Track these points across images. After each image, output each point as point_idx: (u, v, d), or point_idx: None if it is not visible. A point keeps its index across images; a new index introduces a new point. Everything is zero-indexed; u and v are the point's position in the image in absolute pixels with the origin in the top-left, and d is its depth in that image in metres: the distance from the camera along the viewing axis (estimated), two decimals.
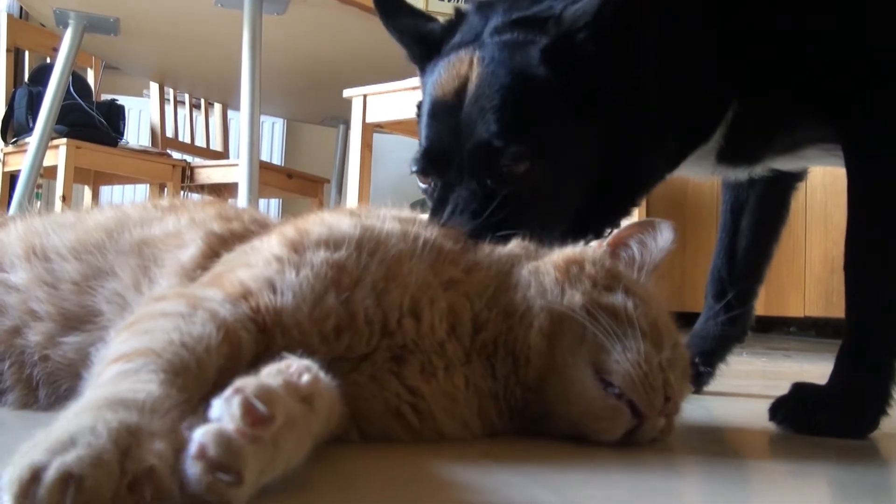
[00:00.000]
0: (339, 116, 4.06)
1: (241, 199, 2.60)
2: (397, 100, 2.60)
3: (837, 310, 3.45)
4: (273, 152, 4.91)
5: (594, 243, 0.96)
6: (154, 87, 4.01)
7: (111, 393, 0.55)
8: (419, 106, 1.13)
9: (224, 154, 4.22)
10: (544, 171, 1.01)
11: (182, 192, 3.81)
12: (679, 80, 1.05)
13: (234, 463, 0.51)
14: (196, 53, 3.35)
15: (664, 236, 0.96)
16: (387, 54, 2.97)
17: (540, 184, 1.01)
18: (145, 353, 0.63)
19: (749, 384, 1.66)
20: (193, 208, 1.01)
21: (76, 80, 3.44)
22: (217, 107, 4.23)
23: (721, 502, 0.70)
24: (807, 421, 1.01)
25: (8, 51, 3.72)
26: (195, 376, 0.64)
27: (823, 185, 3.12)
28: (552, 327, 0.85)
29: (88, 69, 3.95)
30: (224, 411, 0.54)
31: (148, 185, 3.99)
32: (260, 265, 0.80)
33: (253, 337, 0.73)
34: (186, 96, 4.18)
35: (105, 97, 4.01)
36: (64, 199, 3.28)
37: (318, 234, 0.82)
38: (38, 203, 3.91)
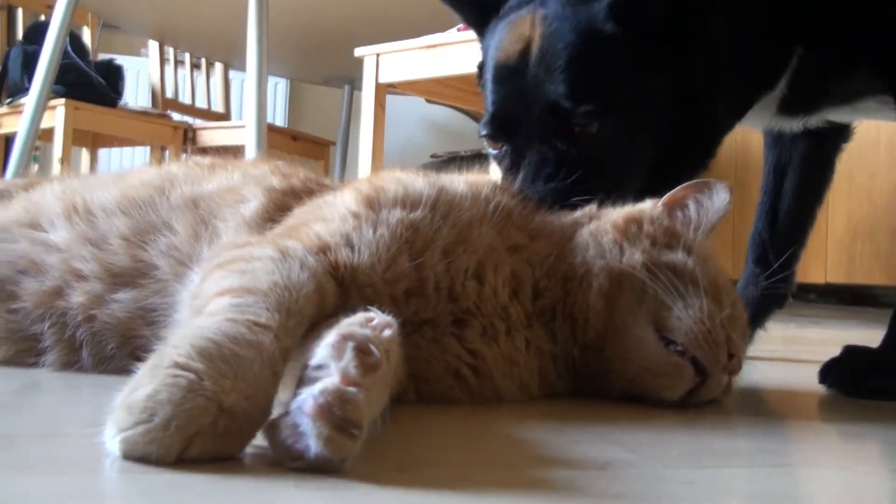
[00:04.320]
0: (346, 76, 4.05)
1: None
2: (411, 59, 2.59)
3: (860, 276, 3.49)
4: (276, 113, 4.89)
5: (649, 202, 0.97)
6: (153, 46, 3.98)
7: (233, 330, 0.57)
8: (480, 68, 1.14)
9: (226, 116, 4.20)
10: (615, 130, 1.01)
11: (184, 156, 3.81)
12: (747, 28, 1.05)
13: (357, 417, 0.53)
14: (197, 10, 3.32)
15: (720, 197, 0.97)
16: (397, 14, 2.95)
17: (611, 143, 1.01)
18: (252, 290, 0.64)
19: (785, 349, 1.68)
20: (243, 165, 1.03)
21: (72, 39, 3.41)
22: (218, 67, 4.21)
23: (786, 462, 0.72)
24: (859, 384, 1.03)
25: (0, 8, 3.69)
26: (298, 322, 0.64)
27: (847, 145, 3.13)
28: (612, 287, 0.87)
29: (84, 27, 3.92)
30: (333, 358, 0.55)
31: (148, 148, 3.98)
32: (336, 220, 0.81)
33: (335, 291, 0.75)
34: (187, 56, 4.15)
35: (101, 57, 3.97)
36: (62, 161, 3.27)
37: (395, 192, 0.84)
38: (36, 166, 3.90)
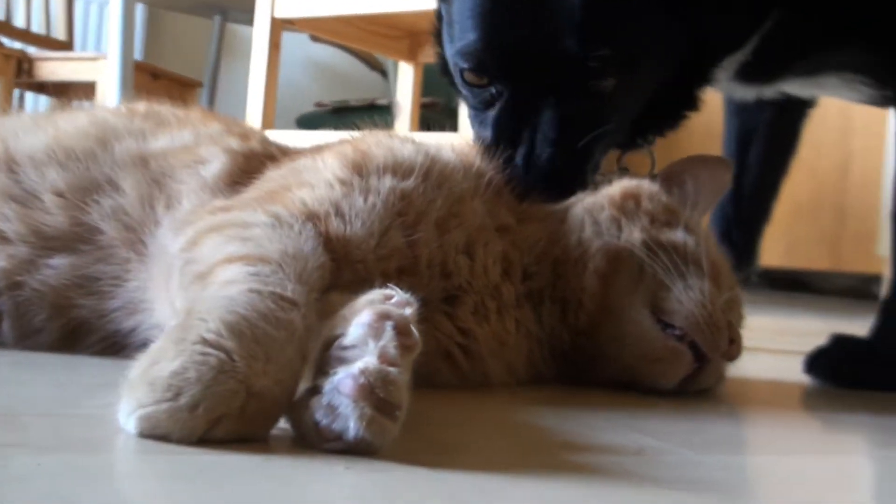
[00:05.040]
0: (216, 4, 3.98)
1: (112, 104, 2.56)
2: None
3: (798, 260, 3.71)
4: None
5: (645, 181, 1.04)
6: None
7: (262, 306, 0.60)
8: (439, 16, 1.13)
9: (68, 45, 4.07)
10: (630, 84, 1.03)
11: (16, 92, 3.68)
12: None
13: (399, 398, 0.57)
14: None
15: (719, 174, 1.06)
16: None
17: (623, 98, 1.03)
18: (266, 259, 0.67)
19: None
20: (189, 120, 1.05)
21: None
22: None
23: (808, 450, 0.81)
24: (849, 374, 1.12)
25: None
26: (315, 297, 0.68)
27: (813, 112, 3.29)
28: (608, 267, 0.94)
29: None
30: (371, 337, 0.59)
31: None
32: (322, 186, 0.85)
33: (329, 265, 0.77)
34: None
35: None
36: None
37: (384, 159, 0.88)
38: None
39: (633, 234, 0.95)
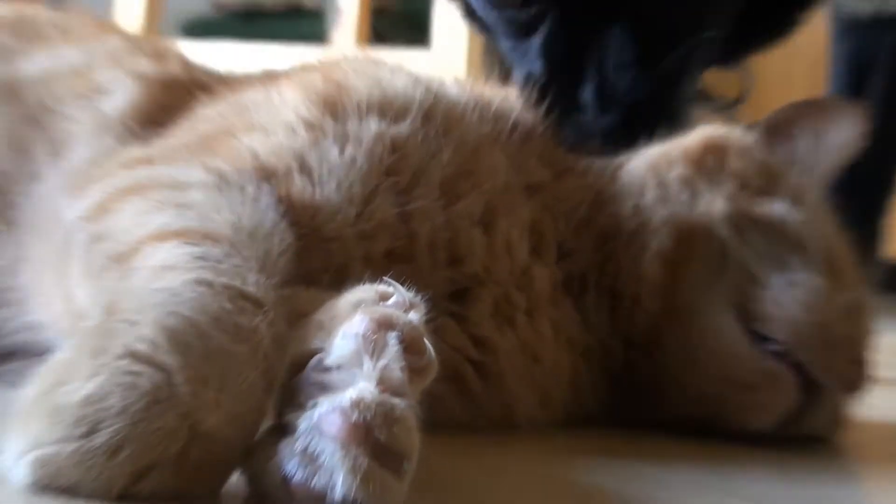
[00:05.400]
0: None
1: None
2: None
3: None
4: None
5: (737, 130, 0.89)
6: None
7: (216, 306, 0.52)
8: None
9: None
10: None
11: None
12: None
13: (408, 443, 0.49)
14: None
15: (847, 126, 0.91)
16: None
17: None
18: (213, 236, 0.59)
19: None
20: (76, 32, 0.95)
21: None
22: None
23: None
24: None
25: None
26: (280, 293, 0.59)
27: None
28: (677, 250, 0.82)
29: None
30: (366, 354, 0.51)
31: None
32: (280, 131, 0.75)
33: (293, 246, 0.68)
34: None
35: None
36: None
37: (368, 93, 0.78)
38: None
39: (715, 204, 0.82)
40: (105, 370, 0.47)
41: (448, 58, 1.91)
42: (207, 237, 0.58)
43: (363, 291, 0.58)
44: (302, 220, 0.70)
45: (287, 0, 3.53)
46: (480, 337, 0.77)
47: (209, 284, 0.53)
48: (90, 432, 0.46)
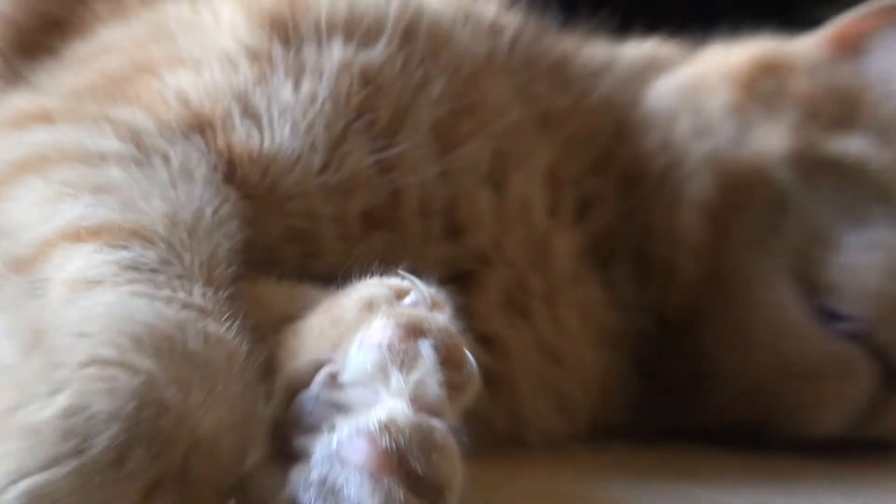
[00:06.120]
0: None
1: None
2: None
3: None
4: None
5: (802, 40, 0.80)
6: None
7: (173, 315, 0.46)
8: None
9: None
10: None
11: None
12: None
13: (448, 472, 0.44)
14: None
15: None
16: None
17: None
18: (144, 234, 0.51)
19: None
20: None
21: None
22: None
23: None
24: None
25: None
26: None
27: None
28: (723, 200, 0.74)
29: None
30: (393, 366, 0.47)
31: None
32: (214, 64, 0.65)
33: (242, 215, 0.59)
34: None
35: None
36: None
37: (329, 8, 0.68)
38: None
39: (773, 139, 0.74)
40: (72, 381, 0.41)
41: None
42: (136, 235, 0.51)
43: (373, 286, 0.53)
44: (250, 177, 0.61)
45: None
46: (487, 334, 0.67)
47: (149, 298, 0.47)
48: (83, 445, 0.41)
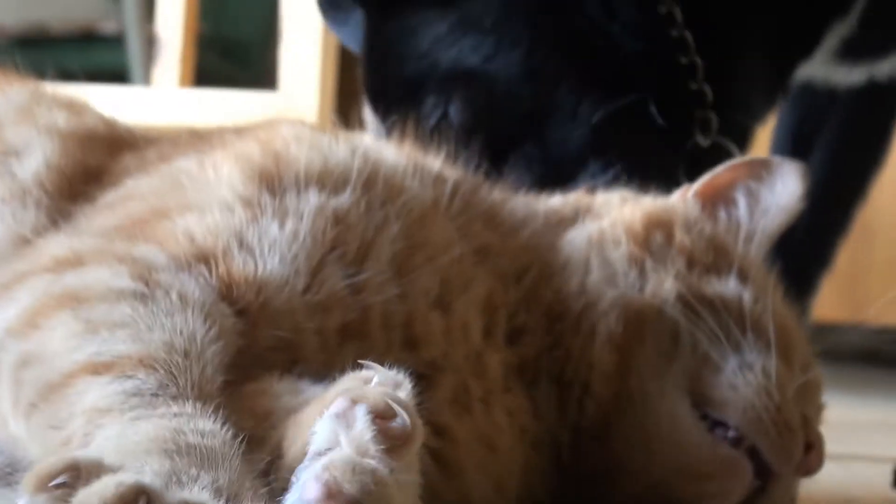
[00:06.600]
0: None
1: None
2: None
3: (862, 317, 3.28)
4: None
5: (675, 195, 0.88)
6: None
7: (168, 423, 0.53)
8: None
9: None
10: None
11: None
12: None
13: (380, 494, 0.50)
14: None
15: (786, 184, 0.87)
16: None
17: None
18: (148, 361, 0.58)
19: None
20: None
21: None
22: None
23: None
24: None
25: None
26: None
27: None
28: (628, 333, 0.80)
29: None
30: (341, 429, 0.53)
31: None
32: (215, 209, 0.73)
33: (234, 330, 0.67)
34: None
35: None
36: None
37: (307, 164, 0.75)
38: None
39: (665, 285, 0.80)
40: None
41: (297, 101, 1.72)
42: (141, 364, 0.58)
43: (348, 380, 0.58)
44: (246, 296, 0.69)
45: (79, 21, 2.94)
46: (440, 425, 0.74)
47: (148, 418, 0.53)
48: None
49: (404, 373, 0.60)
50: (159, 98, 1.83)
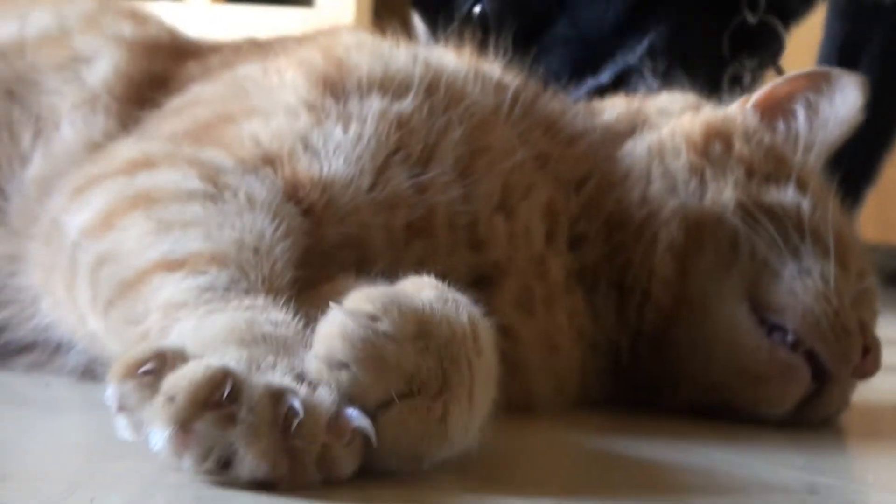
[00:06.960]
0: None
1: None
2: None
3: None
4: None
5: (734, 105, 0.87)
6: None
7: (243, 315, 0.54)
8: None
9: None
10: None
11: None
12: None
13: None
14: None
15: (846, 97, 0.87)
16: None
17: None
18: (220, 258, 0.59)
19: None
20: None
21: None
22: None
23: None
24: None
25: None
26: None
27: None
28: (688, 241, 0.80)
29: None
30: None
31: None
32: (280, 114, 0.73)
33: (301, 229, 0.67)
34: None
35: None
36: None
37: (368, 69, 0.75)
38: None
39: (724, 193, 0.80)
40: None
41: (333, 16, 1.68)
42: (213, 261, 0.58)
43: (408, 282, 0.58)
44: (311, 196, 0.69)
45: None
46: (504, 325, 0.72)
47: (222, 311, 0.54)
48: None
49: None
50: (194, 13, 1.82)
